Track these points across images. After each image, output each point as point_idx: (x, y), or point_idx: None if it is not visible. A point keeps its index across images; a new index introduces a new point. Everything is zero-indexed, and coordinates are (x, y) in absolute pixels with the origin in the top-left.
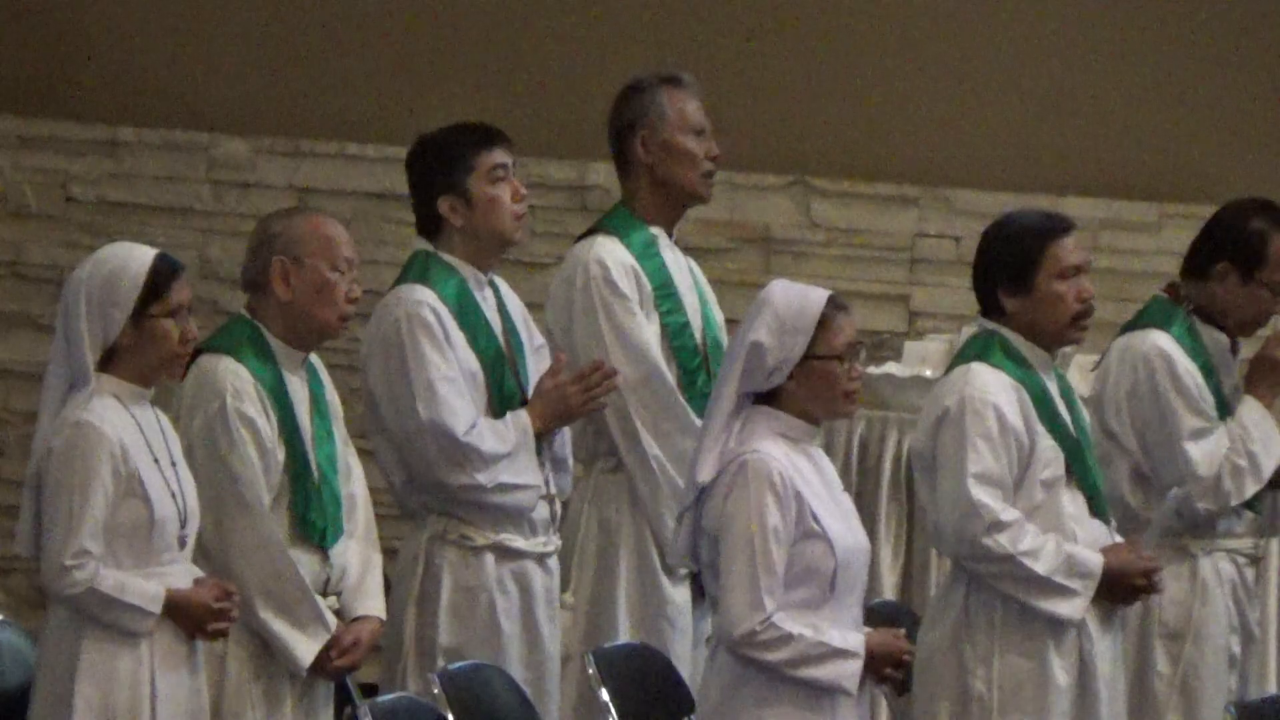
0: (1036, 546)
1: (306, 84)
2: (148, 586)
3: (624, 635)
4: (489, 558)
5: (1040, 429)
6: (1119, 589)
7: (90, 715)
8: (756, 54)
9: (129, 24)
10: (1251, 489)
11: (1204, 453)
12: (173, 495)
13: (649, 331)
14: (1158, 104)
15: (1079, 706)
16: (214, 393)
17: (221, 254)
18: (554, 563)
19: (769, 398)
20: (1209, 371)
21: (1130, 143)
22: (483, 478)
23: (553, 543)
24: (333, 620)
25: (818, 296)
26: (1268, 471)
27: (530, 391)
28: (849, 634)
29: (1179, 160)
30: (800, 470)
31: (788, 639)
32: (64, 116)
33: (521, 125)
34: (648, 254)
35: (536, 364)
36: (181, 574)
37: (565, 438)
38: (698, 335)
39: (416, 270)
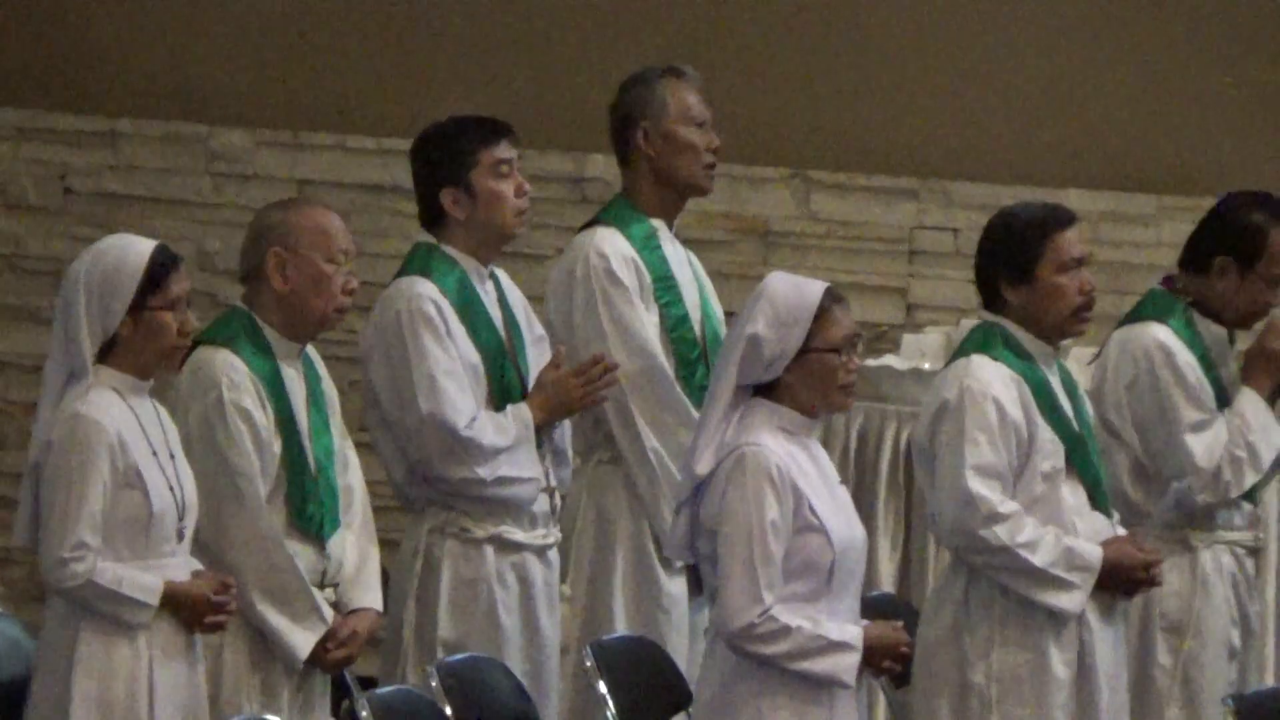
0: (1035, 539)
1: (306, 76)
2: (146, 579)
3: (620, 627)
4: (489, 550)
5: (1040, 421)
6: (1119, 582)
7: (88, 708)
8: (755, 47)
9: (128, 16)
10: (1250, 480)
11: (1204, 445)
12: (171, 488)
13: (649, 323)
14: (1156, 96)
15: (1079, 699)
16: (210, 385)
17: (220, 246)
18: (554, 555)
19: (767, 390)
20: (1207, 364)
21: (1129, 135)
22: (483, 471)
23: (553, 535)
24: (330, 613)
25: (815, 289)
26: (1266, 462)
27: (531, 384)
28: (846, 627)
29: (1178, 153)
30: (798, 463)
31: (785, 632)
32: (62, 108)
33: (521, 117)
34: (648, 246)
35: (537, 356)
36: (180, 566)
37: (565, 430)
38: (697, 328)
39: (418, 263)
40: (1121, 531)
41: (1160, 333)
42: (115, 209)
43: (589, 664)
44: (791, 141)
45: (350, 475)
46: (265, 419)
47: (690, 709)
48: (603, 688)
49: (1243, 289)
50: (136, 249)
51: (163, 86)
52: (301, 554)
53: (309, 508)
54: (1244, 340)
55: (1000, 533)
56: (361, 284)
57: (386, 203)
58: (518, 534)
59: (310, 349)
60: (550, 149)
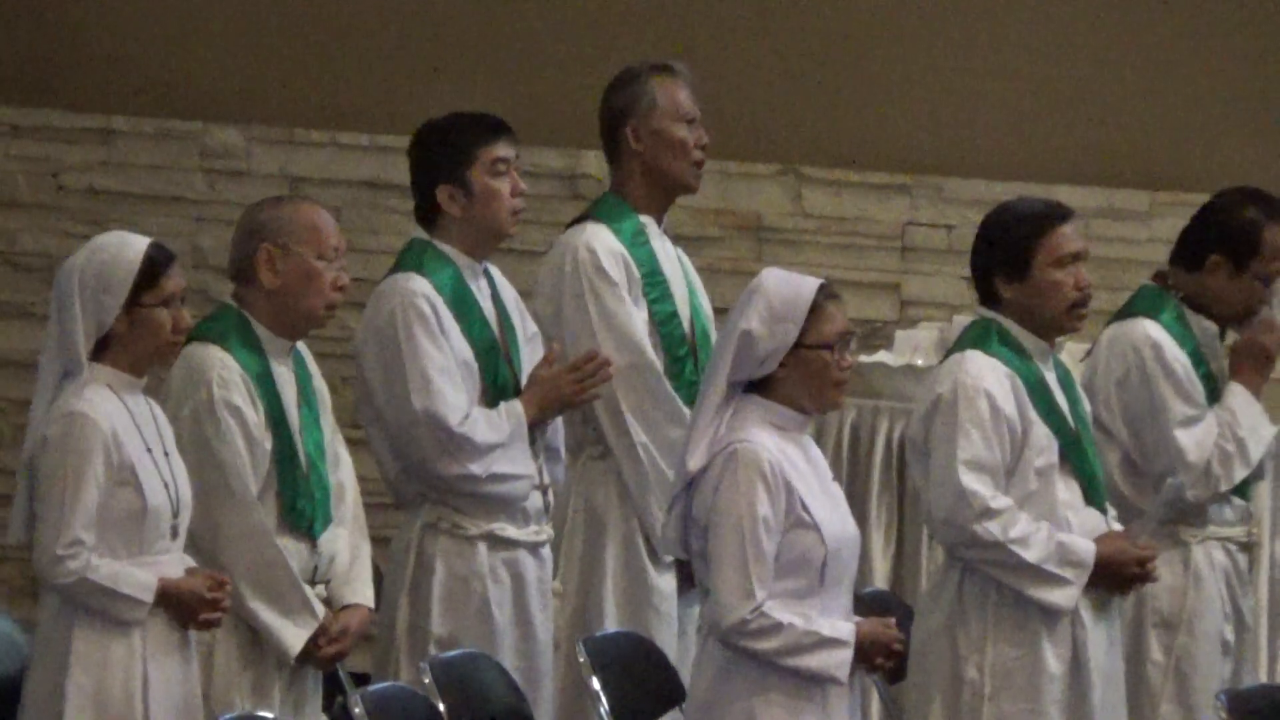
0: (1027, 534)
1: (299, 73)
2: (141, 576)
3: (610, 623)
4: (482, 547)
5: (1034, 417)
6: (1113, 577)
7: (83, 704)
8: (749, 43)
9: (121, 12)
10: (1240, 475)
11: (1194, 440)
12: (165, 485)
13: (638, 318)
14: (1149, 92)
15: (1072, 694)
16: (201, 382)
17: (214, 243)
18: (546, 552)
19: (760, 387)
20: (1198, 359)
21: (1122, 131)
22: (476, 468)
23: (545, 532)
24: (321, 609)
25: (809, 285)
26: (1256, 457)
27: (524, 381)
28: (839, 623)
29: (1171, 148)
30: (790, 459)
31: (778, 628)
32: (56, 105)
33: (514, 113)
34: (637, 242)
35: (530, 354)
36: (174, 563)
37: (558, 427)
38: (686, 324)
39: (412, 259)
40: (1117, 527)
41: (1151, 328)
42: (109, 206)
43: (582, 660)
44: (785, 137)
45: (342, 471)
46: (256, 416)
47: (683, 705)
48: (596, 684)
49: (1235, 286)
50: (132, 246)
51: (156, 83)
52: (293, 550)
53: (300, 504)
54: (1232, 333)
55: (992, 528)
56: (354, 281)
57: (380, 199)
58: (511, 530)
59: (301, 345)
60: (543, 145)
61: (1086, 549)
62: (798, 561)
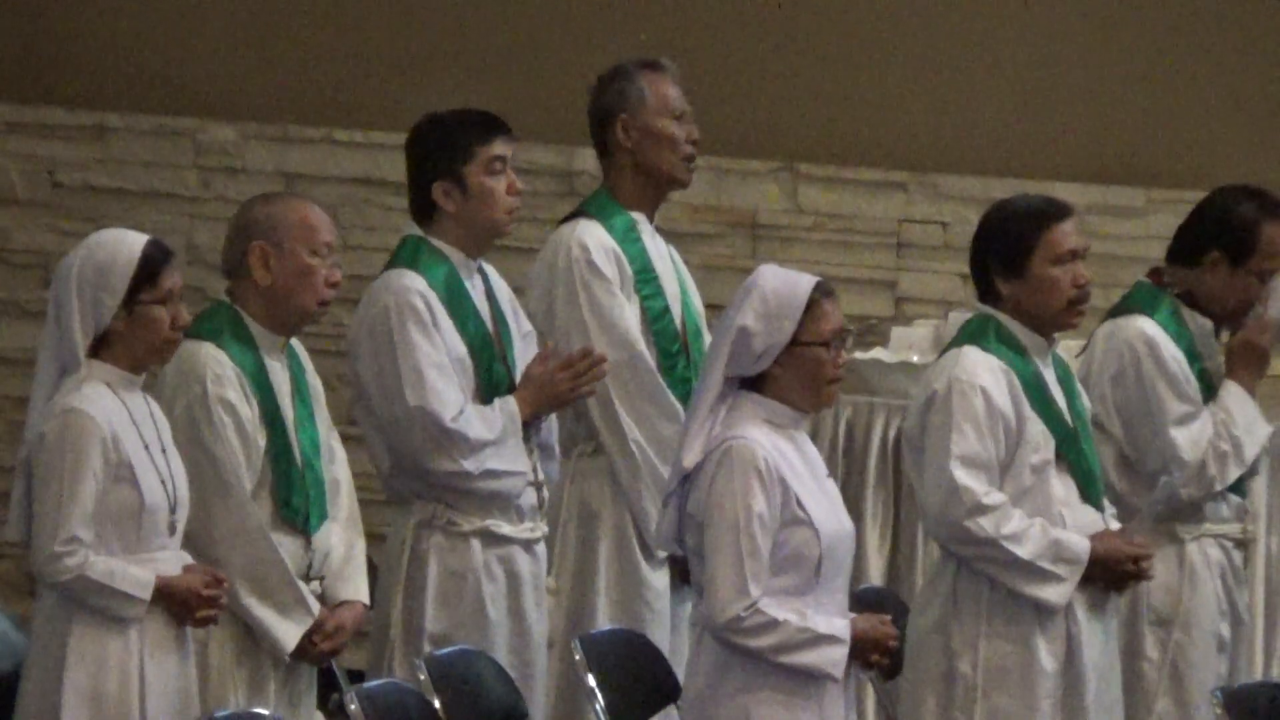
0: (1020, 530)
1: (294, 69)
2: (138, 573)
3: (604, 619)
4: (476, 543)
5: (1030, 413)
6: (1108, 575)
7: (80, 701)
8: (743, 39)
9: (116, 9)
10: (1234, 474)
11: (1189, 438)
12: (163, 481)
13: (630, 315)
14: (1144, 89)
15: (1066, 691)
16: (194, 379)
17: (209, 240)
18: (541, 549)
19: (755, 383)
20: (1193, 356)
21: (1117, 128)
22: (470, 464)
23: (539, 529)
24: (316, 605)
25: (805, 282)
26: (1250, 456)
27: (518, 378)
28: (834, 620)
29: (1166, 145)
30: (785, 456)
31: (773, 625)
32: (50, 102)
33: (509, 110)
34: (629, 238)
35: (524, 351)
36: (171, 560)
37: (552, 424)
38: (678, 320)
39: (406, 256)
40: (1114, 525)
41: (1146, 325)
42: (103, 203)
43: (578, 657)
44: (780, 134)
45: (336, 468)
46: (250, 412)
47: (678, 702)
48: (592, 681)
49: (1233, 283)
50: (129, 243)
51: (150, 81)
52: (287, 546)
53: (295, 500)
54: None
55: (985, 524)
56: (349, 277)
57: (374, 196)
58: (505, 527)
59: (295, 342)
60: (538, 142)
61: (1081, 546)
62: (793, 558)
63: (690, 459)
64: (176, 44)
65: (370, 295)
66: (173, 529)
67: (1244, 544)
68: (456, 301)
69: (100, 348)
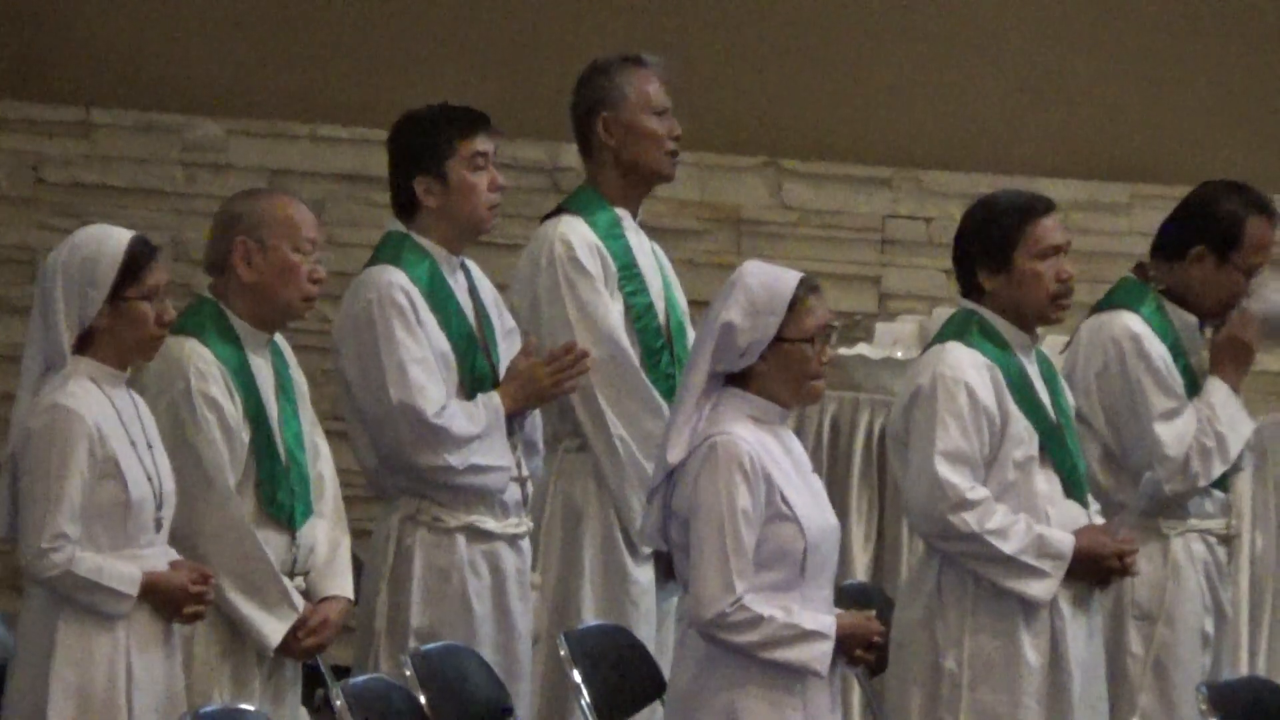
0: (1004, 526)
1: (280, 65)
2: (125, 569)
3: (588, 615)
4: (460, 539)
5: (1014, 409)
6: (1092, 570)
7: (67, 697)
8: (729, 35)
9: (102, 5)
10: (1218, 470)
11: (1173, 434)
12: (149, 478)
13: (614, 310)
14: (1129, 85)
15: (1051, 686)
16: (178, 375)
17: (195, 236)
18: (525, 544)
19: (740, 379)
20: (1178, 352)
21: (1102, 124)
22: (453, 459)
23: (524, 524)
24: (300, 601)
25: (790, 278)
26: (1234, 452)
27: (502, 373)
28: (820, 616)
29: (1151, 141)
30: (770, 452)
31: (758, 621)
32: (36, 98)
33: (494, 106)
34: (612, 234)
35: (508, 346)
36: (158, 556)
37: (536, 420)
38: (661, 317)
39: (389, 251)
40: (1099, 520)
41: (1131, 321)
42: (89, 199)
43: (563, 653)
44: (765, 130)
45: (321, 464)
46: (233, 408)
47: (664, 697)
48: (577, 676)
49: (1218, 278)
50: (115, 239)
51: (136, 76)
52: (272, 542)
53: (280, 496)
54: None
55: (969, 519)
56: (334, 274)
57: (359, 192)
58: (490, 523)
59: (279, 338)
60: (523, 138)
61: (1065, 541)
62: (778, 554)
63: (675, 455)
64: (162, 40)
65: (353, 291)
66: (159, 525)
67: (1228, 539)
68: (439, 297)
69: (86, 344)
